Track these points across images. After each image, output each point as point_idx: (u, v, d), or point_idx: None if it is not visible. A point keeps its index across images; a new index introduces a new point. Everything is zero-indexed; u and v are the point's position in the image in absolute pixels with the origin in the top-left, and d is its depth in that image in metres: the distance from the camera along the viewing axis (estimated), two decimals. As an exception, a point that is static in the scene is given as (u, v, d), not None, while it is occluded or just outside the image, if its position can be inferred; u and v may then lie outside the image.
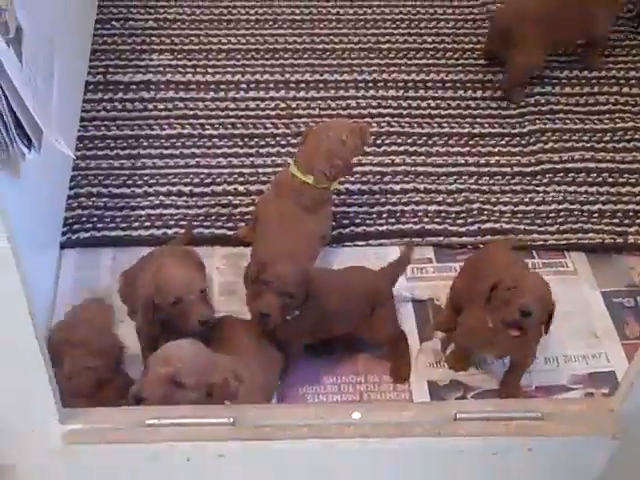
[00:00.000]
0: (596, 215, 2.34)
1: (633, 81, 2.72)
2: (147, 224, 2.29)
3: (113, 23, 2.88)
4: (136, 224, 2.30)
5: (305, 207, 2.10)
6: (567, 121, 2.59)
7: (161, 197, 2.36)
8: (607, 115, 2.61)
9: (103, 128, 2.54)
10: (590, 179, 2.43)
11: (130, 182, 2.40)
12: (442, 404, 1.40)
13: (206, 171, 2.44)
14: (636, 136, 2.55)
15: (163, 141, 2.52)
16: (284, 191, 2.13)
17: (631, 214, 2.34)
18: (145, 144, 2.51)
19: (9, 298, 1.17)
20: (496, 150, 2.51)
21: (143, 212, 2.33)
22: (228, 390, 1.56)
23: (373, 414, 1.40)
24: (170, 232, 2.27)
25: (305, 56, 2.81)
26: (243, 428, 1.37)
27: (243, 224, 2.29)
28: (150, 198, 2.36)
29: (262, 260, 1.87)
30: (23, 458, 1.39)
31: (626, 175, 2.44)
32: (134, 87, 2.67)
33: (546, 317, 1.78)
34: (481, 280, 1.85)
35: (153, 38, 2.85)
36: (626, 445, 1.41)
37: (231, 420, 1.37)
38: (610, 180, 2.43)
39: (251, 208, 2.33)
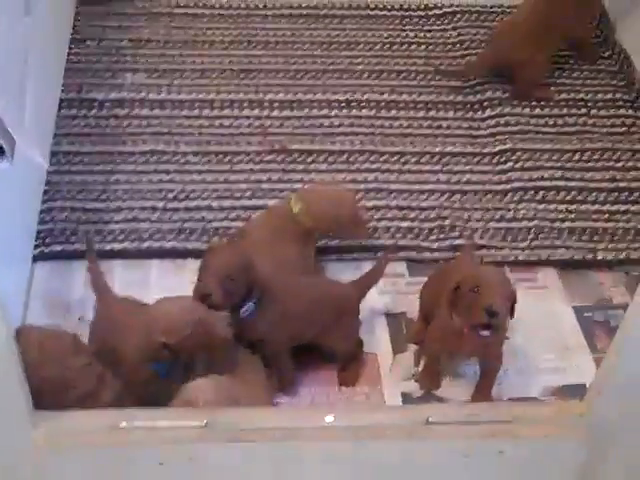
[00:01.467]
0: (566, 232, 2.37)
1: (600, 103, 2.77)
2: (120, 237, 2.30)
3: (88, 42, 2.89)
4: (109, 237, 2.30)
5: (293, 236, 2.10)
6: (537, 141, 2.63)
7: (135, 212, 2.37)
8: (576, 136, 2.66)
9: (77, 144, 2.54)
10: (560, 197, 2.47)
11: (104, 197, 2.40)
12: (415, 408, 1.41)
13: (180, 187, 2.45)
14: (604, 156, 2.59)
15: (137, 157, 2.52)
16: (277, 215, 2.15)
17: (600, 231, 2.37)
18: (119, 160, 2.51)
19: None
20: (467, 169, 2.55)
21: (117, 226, 2.33)
22: None
23: (345, 417, 1.40)
24: (144, 245, 2.28)
25: (279, 76, 2.83)
26: (216, 431, 1.36)
27: (216, 238, 2.30)
28: (124, 212, 2.36)
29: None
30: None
31: (595, 194, 2.48)
32: (108, 104, 2.68)
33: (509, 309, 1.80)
34: (446, 286, 1.87)
35: (127, 57, 2.86)
36: (595, 449, 1.42)
37: (204, 423, 1.37)
38: (579, 198, 2.47)
39: (224, 223, 2.35)
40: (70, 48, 2.86)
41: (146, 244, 2.29)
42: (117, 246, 2.28)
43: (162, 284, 2.21)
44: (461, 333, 1.83)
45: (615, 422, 1.42)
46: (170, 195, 2.42)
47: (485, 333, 1.77)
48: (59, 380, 1.52)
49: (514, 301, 1.81)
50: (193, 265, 2.24)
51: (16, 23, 1.94)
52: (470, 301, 1.77)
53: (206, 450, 1.36)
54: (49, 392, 1.46)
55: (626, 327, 1.28)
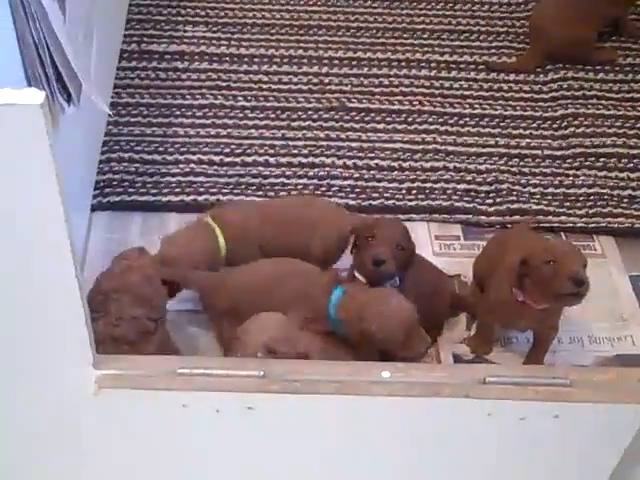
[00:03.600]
0: (626, 200, 2.33)
1: (669, 69, 2.71)
2: (177, 190, 2.31)
3: (149, -6, 2.90)
4: (166, 190, 2.31)
5: None
6: (600, 107, 2.59)
7: (192, 165, 2.38)
8: (640, 102, 2.61)
9: (137, 96, 2.56)
10: (621, 165, 2.43)
11: (162, 149, 2.42)
12: (472, 367, 1.41)
13: (237, 142, 2.45)
14: (669, 124, 2.54)
15: (195, 111, 2.53)
16: None
17: (660, 200, 2.34)
18: (177, 113, 2.52)
19: (55, 245, 1.18)
20: (527, 133, 2.51)
21: (173, 179, 2.34)
22: None
23: (402, 374, 1.40)
24: (200, 199, 2.29)
25: (339, 33, 2.82)
26: (273, 381, 1.38)
27: (273, 194, 2.31)
28: (181, 165, 2.38)
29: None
30: (55, 402, 1.40)
31: (657, 162, 2.44)
32: (168, 57, 2.69)
33: None
34: (505, 256, 1.85)
35: (188, 10, 2.86)
36: (654, 416, 1.41)
37: (261, 373, 1.38)
38: (641, 166, 2.43)
39: (280, 179, 2.35)
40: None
41: (202, 197, 2.30)
42: (174, 199, 2.30)
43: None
44: (520, 307, 1.82)
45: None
46: (227, 149, 2.43)
47: (574, 303, 1.75)
48: None
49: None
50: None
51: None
52: (546, 274, 1.73)
53: (262, 400, 1.37)
54: None
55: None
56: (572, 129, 2.51)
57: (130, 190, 2.30)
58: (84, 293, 1.28)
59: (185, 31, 2.79)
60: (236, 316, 1.83)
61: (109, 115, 2.34)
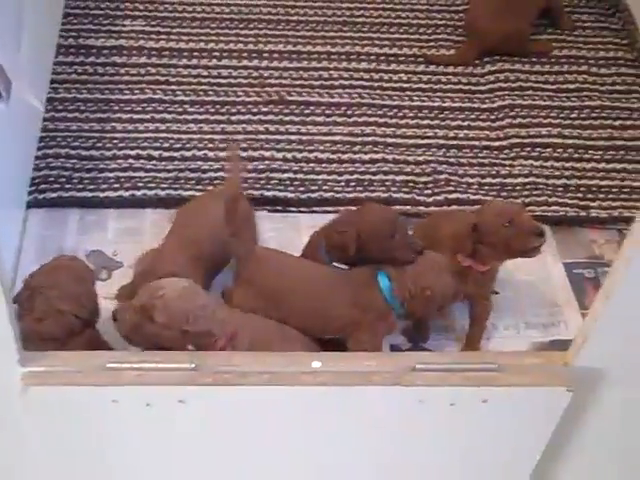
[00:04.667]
0: (560, 189, 2.37)
1: (602, 61, 2.75)
2: (115, 186, 2.29)
3: (86, -12, 2.86)
4: (104, 186, 2.29)
5: None
6: (536, 98, 2.62)
7: (130, 160, 2.36)
8: (575, 93, 2.64)
9: (74, 91, 2.53)
10: (556, 154, 2.47)
11: (99, 145, 2.39)
12: (402, 355, 1.43)
13: (176, 136, 2.44)
14: (602, 114, 2.58)
15: (134, 105, 2.51)
16: None
17: (594, 189, 2.38)
18: (116, 108, 2.50)
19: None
20: (465, 124, 2.54)
21: (111, 174, 2.32)
22: (211, 344, 1.61)
23: (333, 363, 1.41)
24: (138, 194, 2.27)
25: (279, 27, 2.81)
26: (205, 373, 1.38)
27: (212, 187, 2.30)
28: (119, 161, 2.36)
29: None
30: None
31: (591, 152, 2.48)
32: (106, 52, 2.66)
33: None
34: (438, 232, 1.96)
35: (127, 4, 2.83)
36: (579, 397, 1.43)
37: (192, 365, 1.38)
38: (575, 156, 2.46)
39: (220, 173, 2.34)
40: (68, -7, 2.84)
41: (141, 192, 2.28)
42: (112, 194, 2.28)
43: (156, 233, 2.20)
44: (463, 272, 1.90)
45: (599, 370, 1.43)
46: (166, 144, 2.41)
47: (537, 254, 1.88)
48: None
49: None
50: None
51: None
52: (506, 236, 1.85)
53: (194, 393, 1.37)
54: None
55: (614, 275, 1.29)
56: (509, 120, 2.55)
57: (67, 186, 2.28)
58: (8, 289, 1.27)
59: (124, 25, 2.76)
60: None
61: (44, 115, 2.31)
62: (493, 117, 2.56)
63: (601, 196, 2.36)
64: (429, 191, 2.33)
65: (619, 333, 1.36)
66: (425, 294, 1.81)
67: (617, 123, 2.56)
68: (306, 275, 1.91)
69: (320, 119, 2.52)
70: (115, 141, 2.41)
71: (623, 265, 1.23)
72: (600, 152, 2.48)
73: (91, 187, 2.28)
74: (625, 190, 2.37)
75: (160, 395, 1.39)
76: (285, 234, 2.24)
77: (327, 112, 2.54)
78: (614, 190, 2.38)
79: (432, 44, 2.79)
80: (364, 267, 1.89)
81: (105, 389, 1.36)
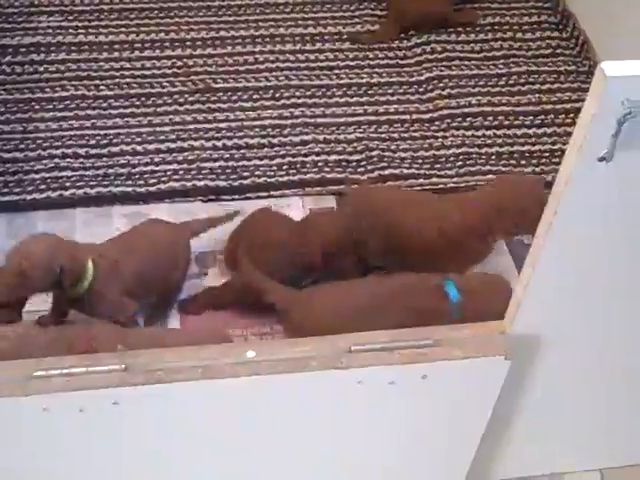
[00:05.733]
0: (494, 157, 2.37)
1: (526, 26, 2.76)
2: (42, 187, 2.23)
3: (-2, -15, 2.78)
4: (30, 188, 2.23)
5: None
6: (463, 67, 2.62)
7: (56, 160, 2.30)
8: (502, 60, 2.65)
9: (-8, 92, 2.46)
10: (487, 123, 2.47)
11: (23, 146, 2.33)
12: (337, 337, 1.40)
13: (102, 132, 2.38)
14: (530, 79, 2.59)
15: (56, 103, 2.45)
16: None
17: (527, 155, 2.38)
18: (37, 107, 2.44)
19: None
20: (394, 99, 2.52)
21: (37, 175, 2.26)
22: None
23: (267, 351, 1.39)
24: (67, 194, 2.22)
25: (200, 14, 2.76)
26: (136, 373, 1.34)
27: (142, 182, 2.25)
28: (44, 161, 2.30)
29: None
30: None
31: (521, 118, 2.48)
32: (23, 50, 2.59)
33: None
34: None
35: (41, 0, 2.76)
36: (518, 364, 1.43)
37: (123, 366, 1.35)
38: (506, 123, 2.47)
39: (149, 167, 2.30)
40: (-21, -7, 2.75)
41: (69, 192, 2.23)
42: (39, 196, 2.22)
43: (88, 232, 2.16)
44: None
45: (535, 336, 1.43)
46: (92, 141, 2.36)
47: None
48: None
49: None
50: (120, 211, 2.22)
51: None
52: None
53: (127, 394, 1.34)
54: None
55: (538, 242, 1.28)
56: (438, 91, 2.54)
57: (-9, 191, 2.21)
58: None
59: (39, 22, 2.69)
60: None
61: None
62: (422, 90, 2.55)
63: (534, 162, 2.37)
64: (362, 169, 2.32)
65: (550, 299, 1.36)
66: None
67: (545, 87, 2.57)
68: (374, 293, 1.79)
69: (248, 104, 2.48)
70: (39, 141, 2.35)
71: (545, 231, 1.23)
72: (530, 117, 2.48)
73: (17, 190, 2.22)
74: (557, 154, 2.38)
75: (92, 399, 1.35)
76: (221, 223, 2.21)
77: (255, 97, 2.50)
78: (546, 154, 2.38)
79: (356, 20, 2.77)
80: (426, 276, 1.79)
81: (34, 398, 1.32)
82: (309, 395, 1.41)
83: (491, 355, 1.41)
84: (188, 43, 2.66)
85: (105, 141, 2.36)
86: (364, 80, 2.57)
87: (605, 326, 1.44)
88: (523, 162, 2.36)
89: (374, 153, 2.35)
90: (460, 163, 2.34)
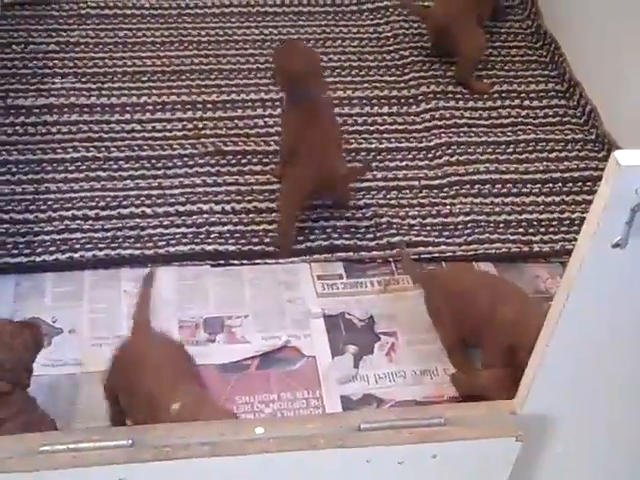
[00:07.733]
0: (502, 225, 2.38)
1: (533, 94, 2.79)
2: (52, 249, 2.24)
3: (13, 47, 2.81)
4: (40, 249, 2.24)
5: None
6: (471, 134, 2.64)
7: (66, 221, 2.31)
8: (509, 128, 2.67)
9: (4, 153, 2.47)
10: (495, 190, 2.47)
11: (33, 207, 2.34)
12: (346, 415, 1.40)
13: (112, 194, 2.40)
14: (538, 147, 2.61)
15: (67, 165, 2.47)
16: None
17: (535, 223, 2.39)
18: (49, 168, 2.45)
19: None
20: (404, 164, 2.54)
21: (47, 237, 2.27)
22: None
23: (276, 428, 1.38)
24: (76, 256, 2.22)
25: (212, 77, 2.80)
26: (143, 449, 1.33)
27: (151, 244, 2.26)
28: (55, 223, 2.31)
29: None
30: None
31: (529, 185, 2.49)
32: (36, 111, 2.61)
33: None
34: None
35: (55, 61, 2.79)
36: (529, 445, 1.42)
37: (130, 442, 1.33)
38: (514, 191, 2.48)
39: (158, 230, 2.30)
40: (-5, 53, 2.79)
41: (78, 254, 2.23)
42: (48, 258, 2.22)
43: (96, 295, 2.17)
44: None
45: (546, 417, 1.42)
46: (102, 203, 2.37)
47: None
48: None
49: None
50: (127, 274, 2.22)
51: None
52: None
53: (134, 470, 1.33)
54: None
55: (549, 325, 1.28)
56: (446, 158, 2.55)
57: (1, 252, 2.21)
58: None
59: (53, 83, 2.72)
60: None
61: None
62: (431, 156, 2.57)
63: (542, 230, 2.37)
64: (371, 235, 2.32)
65: (563, 377, 1.35)
66: None
67: (552, 155, 2.58)
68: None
69: (257, 168, 2.49)
70: (49, 202, 2.36)
71: (557, 314, 1.22)
72: (538, 185, 2.49)
73: (26, 252, 2.23)
74: (565, 222, 2.39)
75: (99, 476, 1.34)
76: (229, 288, 2.21)
77: (264, 160, 2.52)
78: (554, 223, 2.39)
79: (366, 85, 2.80)
80: None
81: (40, 474, 1.31)
82: (317, 473, 1.40)
83: (501, 437, 1.40)
84: (199, 106, 2.69)
85: (115, 203, 2.37)
86: (373, 145, 2.59)
87: (614, 409, 1.43)
88: (531, 230, 2.36)
89: (383, 220, 2.35)
90: (468, 231, 2.35)
